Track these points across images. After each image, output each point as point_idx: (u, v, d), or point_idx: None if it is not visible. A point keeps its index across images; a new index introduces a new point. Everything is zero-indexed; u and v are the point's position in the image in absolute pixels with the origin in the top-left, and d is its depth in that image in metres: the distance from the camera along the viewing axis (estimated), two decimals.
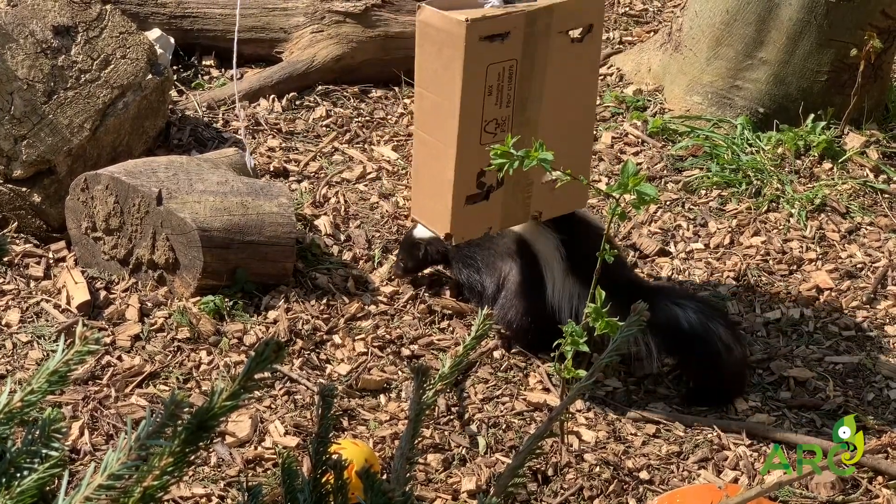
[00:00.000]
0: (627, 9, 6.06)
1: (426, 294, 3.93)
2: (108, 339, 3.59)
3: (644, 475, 3.29)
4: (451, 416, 3.46)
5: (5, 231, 3.99)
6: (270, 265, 3.81)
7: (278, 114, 4.90)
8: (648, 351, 3.55)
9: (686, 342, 3.54)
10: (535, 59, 3.27)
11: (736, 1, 4.94)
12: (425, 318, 3.82)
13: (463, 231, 3.41)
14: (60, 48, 4.11)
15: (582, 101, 3.48)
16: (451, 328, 3.80)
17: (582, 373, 3.09)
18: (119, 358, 3.53)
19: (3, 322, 3.63)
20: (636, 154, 4.84)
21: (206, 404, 1.44)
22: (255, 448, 3.25)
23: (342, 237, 4.17)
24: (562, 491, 3.21)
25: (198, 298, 3.72)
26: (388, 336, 3.72)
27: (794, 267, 4.23)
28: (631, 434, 3.44)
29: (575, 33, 3.29)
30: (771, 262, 4.25)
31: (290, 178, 4.49)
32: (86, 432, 3.23)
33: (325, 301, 3.82)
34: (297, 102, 5.00)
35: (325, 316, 3.77)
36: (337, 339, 3.70)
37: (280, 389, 3.47)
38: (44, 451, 1.52)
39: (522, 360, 3.69)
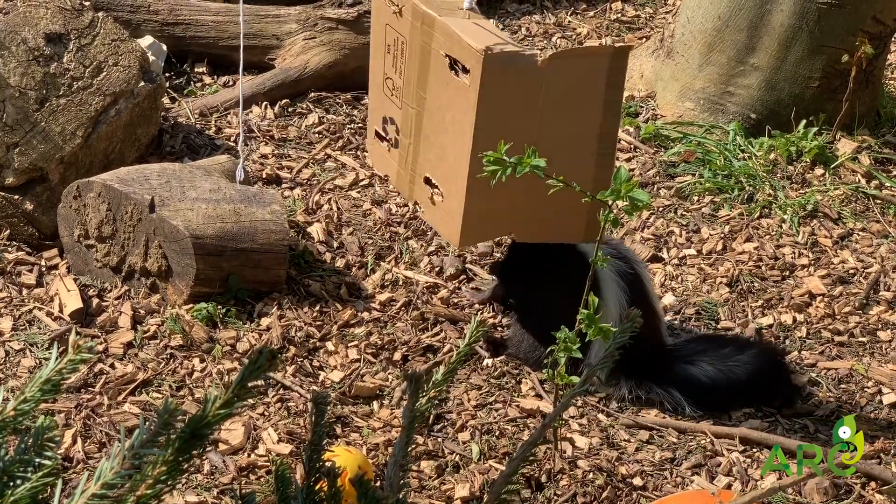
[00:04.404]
0: (619, 15, 6.07)
1: (419, 301, 3.93)
2: (100, 347, 3.58)
3: (637, 481, 3.29)
4: (445, 423, 3.46)
5: None
6: (263, 272, 3.80)
7: (271, 121, 4.90)
8: (680, 403, 3.62)
9: (713, 391, 3.62)
10: (421, 56, 3.34)
11: (728, 7, 4.95)
12: (418, 325, 3.82)
13: (374, 159, 3.98)
14: (52, 56, 4.11)
15: (458, 141, 3.27)
16: (442, 331, 3.80)
17: (575, 379, 3.09)
18: (112, 366, 3.53)
19: None
20: (629, 160, 4.85)
21: (199, 412, 1.43)
22: (249, 455, 3.25)
23: (335, 244, 4.17)
24: (555, 497, 3.20)
25: (190, 306, 3.72)
26: (380, 343, 3.72)
27: (787, 273, 4.24)
28: (624, 440, 3.44)
29: (445, 61, 3.24)
30: (763, 267, 4.25)
31: (283, 185, 4.49)
32: (79, 440, 3.23)
33: (318, 308, 3.82)
34: (290, 109, 5.00)
35: (318, 323, 3.76)
36: (330, 346, 3.69)
37: (273, 397, 3.47)
38: (37, 459, 1.52)
39: (515, 367, 3.69)
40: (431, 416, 3.45)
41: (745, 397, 3.63)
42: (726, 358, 3.63)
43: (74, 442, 3.23)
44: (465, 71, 3.15)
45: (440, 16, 3.25)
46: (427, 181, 3.43)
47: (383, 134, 3.60)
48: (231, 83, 5.13)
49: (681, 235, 4.42)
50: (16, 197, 3.98)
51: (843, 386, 3.73)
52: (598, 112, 3.28)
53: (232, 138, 4.70)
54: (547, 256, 3.57)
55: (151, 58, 4.60)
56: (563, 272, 3.57)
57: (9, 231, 4.01)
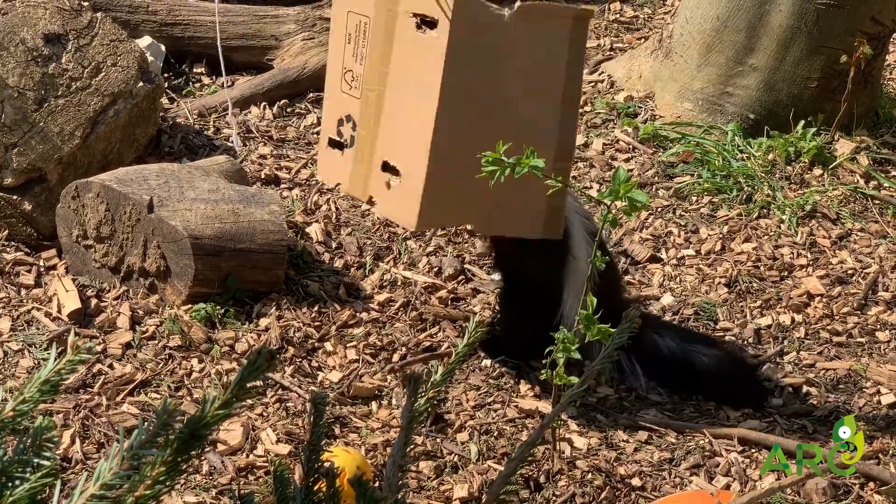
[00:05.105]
0: (618, 15, 6.07)
1: (417, 301, 3.93)
2: (99, 348, 3.58)
3: (636, 482, 3.29)
4: (444, 424, 3.46)
5: None
6: (262, 273, 3.80)
7: (269, 121, 4.90)
8: (636, 374, 3.63)
9: (671, 367, 3.63)
10: (385, 29, 3.26)
11: (726, 8, 4.96)
12: (417, 325, 3.82)
13: (324, 171, 3.63)
14: (51, 56, 4.11)
15: (419, 105, 3.19)
16: (441, 329, 3.80)
17: (574, 379, 3.09)
18: (110, 366, 3.53)
19: None
20: (627, 160, 4.85)
21: (198, 413, 1.43)
22: (247, 456, 3.24)
23: (333, 244, 4.17)
24: (554, 498, 3.20)
25: (189, 306, 3.71)
26: (379, 343, 3.72)
27: (785, 273, 4.24)
28: (623, 441, 3.44)
29: (413, 21, 3.16)
30: (762, 268, 4.25)
31: (282, 186, 4.49)
32: (77, 441, 3.23)
33: (316, 308, 3.82)
34: (289, 110, 5.00)
35: (316, 323, 3.76)
36: (328, 346, 3.69)
37: (272, 397, 3.47)
38: (36, 460, 1.52)
39: (513, 367, 3.69)
40: (431, 417, 3.44)
41: (701, 389, 3.65)
42: (691, 341, 3.66)
43: (73, 442, 3.22)
44: (432, 25, 3.11)
45: None
46: (385, 167, 3.31)
47: (337, 138, 3.48)
48: (230, 83, 5.13)
49: (679, 236, 4.42)
50: (14, 197, 3.98)
51: (841, 386, 3.73)
52: (561, 74, 3.29)
53: (230, 138, 4.69)
54: None
55: (150, 58, 4.60)
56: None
57: (7, 231, 4.01)
